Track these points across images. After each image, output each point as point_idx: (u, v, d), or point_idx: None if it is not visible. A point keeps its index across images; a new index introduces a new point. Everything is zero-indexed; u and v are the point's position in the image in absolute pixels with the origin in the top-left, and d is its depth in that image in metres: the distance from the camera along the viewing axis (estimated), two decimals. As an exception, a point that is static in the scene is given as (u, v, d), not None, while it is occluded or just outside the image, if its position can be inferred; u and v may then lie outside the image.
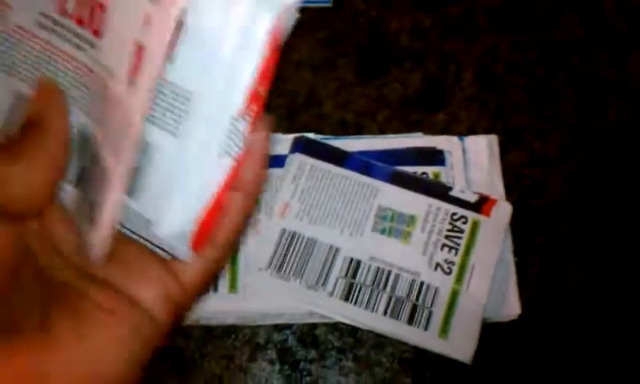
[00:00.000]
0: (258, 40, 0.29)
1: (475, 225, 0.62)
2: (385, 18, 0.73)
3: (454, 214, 0.62)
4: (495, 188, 0.64)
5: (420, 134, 0.66)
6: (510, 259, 0.61)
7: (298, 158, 0.64)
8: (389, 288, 0.60)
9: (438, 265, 0.61)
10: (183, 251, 0.31)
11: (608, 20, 0.72)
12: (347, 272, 0.60)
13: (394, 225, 0.62)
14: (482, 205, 0.63)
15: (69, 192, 0.32)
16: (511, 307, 0.60)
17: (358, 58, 0.71)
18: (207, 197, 0.31)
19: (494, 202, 0.63)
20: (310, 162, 0.64)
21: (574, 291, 0.61)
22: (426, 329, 0.58)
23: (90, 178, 0.31)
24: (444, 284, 0.60)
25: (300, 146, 0.64)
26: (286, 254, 0.61)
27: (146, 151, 0.30)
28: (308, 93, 0.69)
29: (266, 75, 0.30)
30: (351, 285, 0.60)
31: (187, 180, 0.30)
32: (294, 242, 0.61)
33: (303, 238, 0.61)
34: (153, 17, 0.27)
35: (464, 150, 0.65)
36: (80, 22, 0.30)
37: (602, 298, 0.60)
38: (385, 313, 0.59)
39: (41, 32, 0.31)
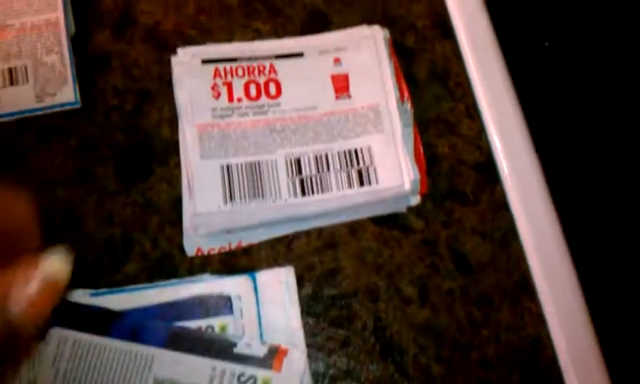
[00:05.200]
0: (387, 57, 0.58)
1: (266, 384, 0.47)
2: (142, 110, 0.57)
3: (241, 375, 0.48)
4: (293, 330, 0.51)
5: (207, 275, 0.52)
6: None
7: (58, 334, 0.49)
8: None
9: (226, 441, 0.46)
10: (416, 197, 0.55)
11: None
12: None
13: (174, 397, 0.47)
14: (272, 357, 0.48)
15: None
16: None
17: (117, 161, 0.55)
18: (411, 152, 0.55)
19: (284, 352, 0.48)
20: (72, 336, 0.49)
21: None
22: None
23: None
24: None
25: (59, 317, 0.49)
26: None
27: (372, 151, 0.55)
28: (64, 212, 0.53)
29: (399, 73, 0.58)
30: None
31: (400, 149, 0.55)
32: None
33: (67, 432, 0.47)
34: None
35: (256, 290, 0.50)
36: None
37: None
38: None
39: None
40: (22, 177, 0.55)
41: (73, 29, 0.59)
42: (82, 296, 0.51)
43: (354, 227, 0.54)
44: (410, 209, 0.55)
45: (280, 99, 0.57)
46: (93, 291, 0.51)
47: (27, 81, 0.57)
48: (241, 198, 0.53)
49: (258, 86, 0.57)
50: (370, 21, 0.61)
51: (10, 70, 0.57)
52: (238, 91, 0.57)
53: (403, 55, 0.61)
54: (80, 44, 0.59)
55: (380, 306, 0.52)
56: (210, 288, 0.51)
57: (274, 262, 0.53)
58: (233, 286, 0.51)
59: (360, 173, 0.54)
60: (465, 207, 0.56)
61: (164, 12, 0.61)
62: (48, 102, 0.56)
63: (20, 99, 0.56)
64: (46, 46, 0.58)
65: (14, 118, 0.56)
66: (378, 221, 0.55)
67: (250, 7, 0.62)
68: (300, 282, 0.52)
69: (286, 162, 0.54)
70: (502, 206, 0.56)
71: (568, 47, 0.67)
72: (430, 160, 0.57)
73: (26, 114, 0.56)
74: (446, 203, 0.56)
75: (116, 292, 0.51)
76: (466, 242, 0.54)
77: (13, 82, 0.57)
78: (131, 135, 0.57)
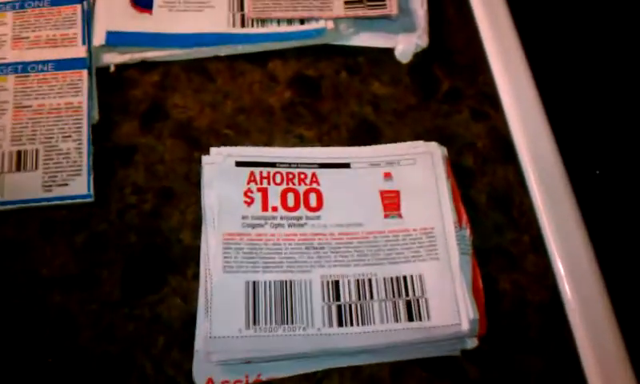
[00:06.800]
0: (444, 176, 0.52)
1: None
2: (163, 211, 0.50)
3: None
4: None
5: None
6: None
7: None
8: None
9: None
10: (473, 339, 0.46)
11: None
12: None
13: None
14: None
15: None
16: None
17: (126, 266, 0.48)
18: (469, 286, 0.47)
19: None
20: None
21: None
22: None
23: None
24: None
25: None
26: None
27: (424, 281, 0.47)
28: (57, 320, 0.45)
29: (456, 195, 0.51)
30: None
31: (458, 281, 0.47)
32: None
33: None
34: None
35: None
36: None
37: None
38: None
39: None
40: (18, 274, 0.48)
41: (96, 116, 0.54)
42: (64, 424, 0.42)
43: (397, 369, 0.46)
44: (465, 353, 0.46)
45: (321, 212, 0.50)
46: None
47: (36, 167, 0.51)
48: (266, 322, 0.45)
49: (297, 195, 0.50)
50: (423, 137, 0.55)
51: (19, 154, 0.51)
52: (274, 199, 0.50)
53: (461, 176, 0.54)
54: (102, 133, 0.54)
55: None
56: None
57: (298, 403, 0.44)
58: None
59: (409, 305, 0.46)
60: (529, 356, 0.47)
61: (199, 108, 0.56)
62: (57, 192, 0.50)
63: (26, 187, 0.50)
64: (64, 132, 0.52)
65: (16, 206, 0.50)
66: (426, 364, 0.46)
67: (292, 111, 0.56)
68: (329, 431, 0.43)
69: (323, 284, 0.47)
70: (572, 355, 0.47)
71: (627, 172, 0.60)
72: (489, 297, 0.48)
73: (32, 204, 0.50)
74: (506, 349, 0.47)
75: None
76: (530, 401, 0.45)
77: (20, 167, 0.51)
78: (146, 238, 0.50)
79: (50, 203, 0.50)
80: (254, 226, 0.49)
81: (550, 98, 0.58)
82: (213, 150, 0.52)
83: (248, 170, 0.51)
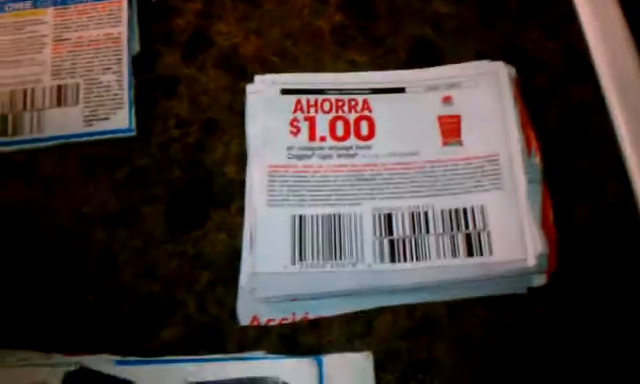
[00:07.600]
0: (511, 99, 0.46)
1: None
2: (206, 144, 0.47)
3: None
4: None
5: (261, 353, 0.41)
6: None
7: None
8: None
9: None
10: (541, 276, 0.42)
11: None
12: None
13: None
14: None
15: None
16: None
17: (169, 202, 0.45)
18: (538, 217, 0.42)
19: None
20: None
21: None
22: None
23: None
24: None
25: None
26: None
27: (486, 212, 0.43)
28: (99, 258, 0.44)
29: (525, 118, 0.46)
30: None
31: (525, 212, 0.42)
32: None
33: None
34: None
35: (321, 379, 0.40)
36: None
37: None
38: None
39: None
40: (58, 211, 0.46)
41: (137, 47, 0.51)
42: (105, 363, 0.41)
43: (455, 308, 0.42)
44: (532, 291, 0.42)
45: (372, 141, 0.46)
46: (119, 359, 0.41)
47: (77, 102, 0.49)
48: (313, 258, 0.42)
49: (346, 123, 0.47)
50: (490, 57, 0.50)
51: (59, 88, 0.49)
52: (322, 128, 0.46)
53: (531, 99, 0.48)
54: (144, 65, 0.51)
55: (486, 416, 0.39)
56: (265, 370, 0.40)
57: (347, 343, 0.41)
58: (293, 370, 0.40)
59: (469, 239, 0.42)
60: (607, 295, 0.42)
61: (244, 34, 0.52)
62: (98, 126, 0.48)
63: (67, 122, 0.48)
64: (104, 64, 0.50)
65: (57, 142, 0.48)
66: (487, 303, 0.42)
67: (344, 34, 0.52)
68: (380, 372, 0.40)
69: (374, 217, 0.43)
70: (658, 296, 0.42)
71: None
72: (561, 230, 0.44)
73: (72, 140, 0.48)
74: (580, 288, 0.42)
75: (147, 362, 0.41)
76: (604, 343, 0.40)
77: (61, 102, 0.49)
78: (190, 172, 0.47)
79: (91, 138, 0.48)
80: (300, 157, 0.45)
81: (632, 10, 0.52)
82: (257, 78, 0.49)
83: (294, 97, 0.48)
